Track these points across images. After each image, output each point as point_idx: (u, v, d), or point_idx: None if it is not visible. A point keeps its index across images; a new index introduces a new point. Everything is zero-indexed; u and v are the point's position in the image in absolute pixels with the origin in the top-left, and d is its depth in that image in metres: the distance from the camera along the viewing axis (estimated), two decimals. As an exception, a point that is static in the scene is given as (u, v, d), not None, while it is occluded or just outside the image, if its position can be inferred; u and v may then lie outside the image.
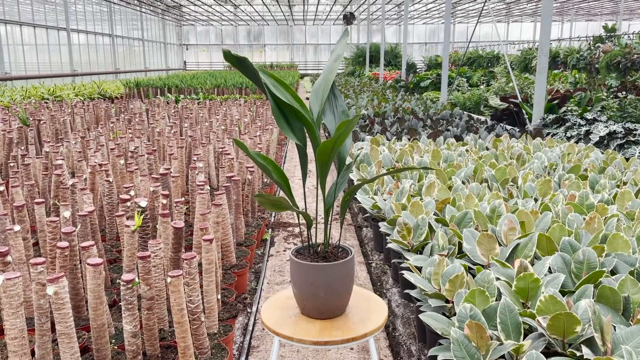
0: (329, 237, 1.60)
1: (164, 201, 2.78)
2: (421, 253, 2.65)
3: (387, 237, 3.04)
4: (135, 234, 2.26)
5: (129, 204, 2.72)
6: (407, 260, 2.62)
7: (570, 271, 2.13)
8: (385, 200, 3.33)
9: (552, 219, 2.67)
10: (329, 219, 1.57)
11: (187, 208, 3.64)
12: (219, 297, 2.32)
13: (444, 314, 2.08)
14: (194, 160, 3.85)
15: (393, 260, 2.75)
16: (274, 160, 1.63)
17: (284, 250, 3.50)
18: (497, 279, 2.13)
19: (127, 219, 2.57)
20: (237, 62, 1.35)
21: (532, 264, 2.26)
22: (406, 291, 2.35)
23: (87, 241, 2.26)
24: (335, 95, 1.56)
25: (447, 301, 2.10)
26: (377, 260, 3.36)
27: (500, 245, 2.43)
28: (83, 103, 9.39)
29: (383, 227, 3.00)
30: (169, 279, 1.74)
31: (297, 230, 3.87)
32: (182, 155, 4.31)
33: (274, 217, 4.21)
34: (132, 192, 2.99)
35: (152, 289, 1.96)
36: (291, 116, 1.45)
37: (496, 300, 1.99)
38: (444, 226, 2.82)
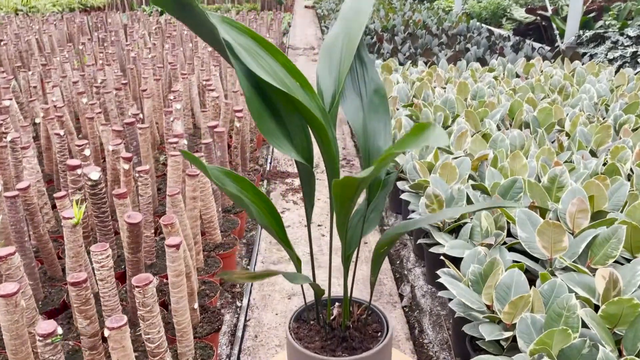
0: (349, 305, 0.98)
1: (126, 166, 2.16)
2: (456, 235, 2.07)
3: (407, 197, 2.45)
4: (78, 227, 1.66)
5: (79, 171, 2.10)
6: (439, 243, 2.06)
7: (673, 283, 1.55)
8: (404, 154, 2.70)
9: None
10: (350, 276, 0.96)
11: (163, 162, 3.02)
12: (196, 306, 1.77)
13: (498, 342, 1.54)
14: (171, 100, 3.17)
15: (419, 241, 2.18)
16: (254, 186, 0.99)
17: (282, 212, 2.92)
18: (571, 290, 1.57)
19: (71, 200, 1.96)
20: (179, 7, 0.68)
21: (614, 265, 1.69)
22: (440, 294, 1.80)
23: (11, 245, 1.68)
24: (364, 60, 0.86)
25: (499, 321, 1.55)
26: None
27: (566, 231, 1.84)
28: (61, 16, 8.42)
29: (405, 193, 2.40)
30: (106, 332, 1.17)
31: (297, 182, 3.27)
32: (160, 89, 3.61)
33: (270, 164, 3.59)
34: (87, 152, 2.36)
35: (93, 322, 1.40)
36: (284, 107, 0.77)
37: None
38: (483, 194, 2.22)
